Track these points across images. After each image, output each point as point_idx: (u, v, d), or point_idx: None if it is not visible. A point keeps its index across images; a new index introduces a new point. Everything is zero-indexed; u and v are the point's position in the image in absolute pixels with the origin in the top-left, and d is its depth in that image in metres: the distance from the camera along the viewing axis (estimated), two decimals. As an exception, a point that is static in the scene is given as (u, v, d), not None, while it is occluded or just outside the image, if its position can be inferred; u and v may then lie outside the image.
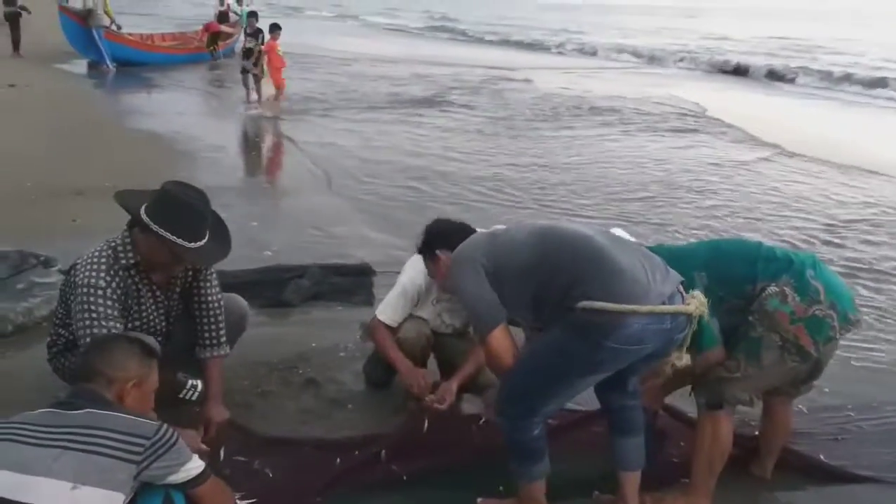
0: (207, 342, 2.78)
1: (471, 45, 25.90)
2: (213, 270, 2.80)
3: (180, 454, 1.79)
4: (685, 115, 11.77)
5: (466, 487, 2.50)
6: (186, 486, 1.82)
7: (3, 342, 3.42)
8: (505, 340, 2.23)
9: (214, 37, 16.72)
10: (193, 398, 2.93)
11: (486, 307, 2.22)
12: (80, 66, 14.75)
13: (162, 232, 2.42)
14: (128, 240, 2.56)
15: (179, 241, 2.45)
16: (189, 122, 9.92)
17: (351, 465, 2.56)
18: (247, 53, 11.70)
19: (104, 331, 2.42)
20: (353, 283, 4.42)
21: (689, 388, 2.56)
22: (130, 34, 15.91)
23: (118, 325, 2.49)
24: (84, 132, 8.49)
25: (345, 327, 3.78)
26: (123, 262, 2.54)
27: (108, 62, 14.34)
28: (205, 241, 2.54)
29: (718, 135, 10.19)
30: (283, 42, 11.95)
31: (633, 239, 2.54)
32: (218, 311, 2.81)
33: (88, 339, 2.41)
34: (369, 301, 4.20)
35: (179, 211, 2.47)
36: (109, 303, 2.48)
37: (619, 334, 2.05)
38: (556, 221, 2.32)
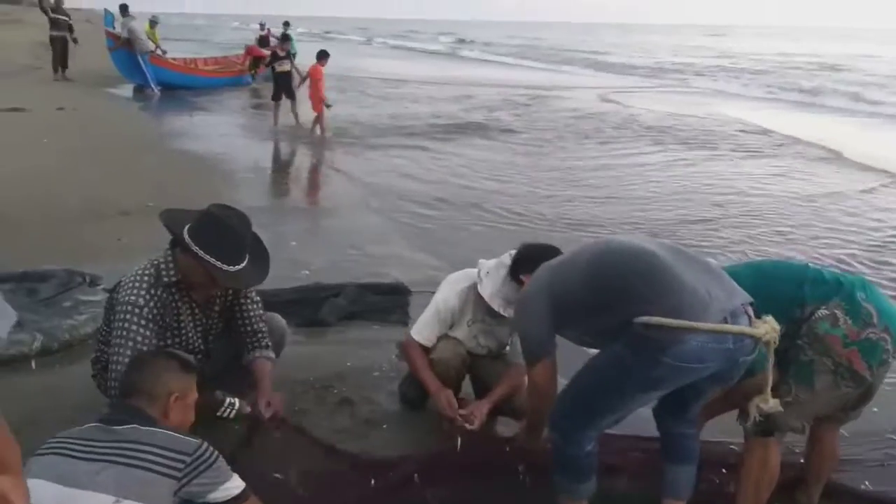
0: (253, 345, 2.88)
1: (508, 66, 26.04)
2: (252, 290, 2.84)
3: (220, 473, 1.83)
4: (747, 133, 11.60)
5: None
6: None
7: (50, 359, 3.51)
8: (546, 372, 2.30)
9: (256, 61, 17.13)
10: (231, 416, 2.97)
11: (535, 342, 2.31)
12: (127, 89, 15.25)
13: (201, 254, 2.48)
14: (170, 258, 2.61)
15: (218, 263, 2.50)
16: (231, 144, 10.15)
17: (383, 486, 2.54)
18: (283, 77, 11.56)
19: (136, 349, 2.47)
20: (389, 302, 4.44)
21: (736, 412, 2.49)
22: (174, 58, 16.40)
23: (151, 343, 2.53)
24: (129, 153, 8.74)
25: (380, 347, 3.80)
26: (165, 280, 2.58)
27: (153, 86, 14.78)
28: (243, 265, 2.59)
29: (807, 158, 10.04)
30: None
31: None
32: (261, 325, 2.89)
33: (119, 357, 2.46)
34: (404, 321, 4.22)
35: (221, 234, 2.53)
36: (144, 322, 2.52)
37: (677, 350, 2.01)
38: (620, 237, 2.38)
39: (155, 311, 2.56)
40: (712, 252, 5.66)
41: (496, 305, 2.80)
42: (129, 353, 2.46)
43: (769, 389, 2.14)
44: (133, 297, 2.53)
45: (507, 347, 3.06)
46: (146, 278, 2.58)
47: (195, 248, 2.48)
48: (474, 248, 5.64)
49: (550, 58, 28.04)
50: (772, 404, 2.17)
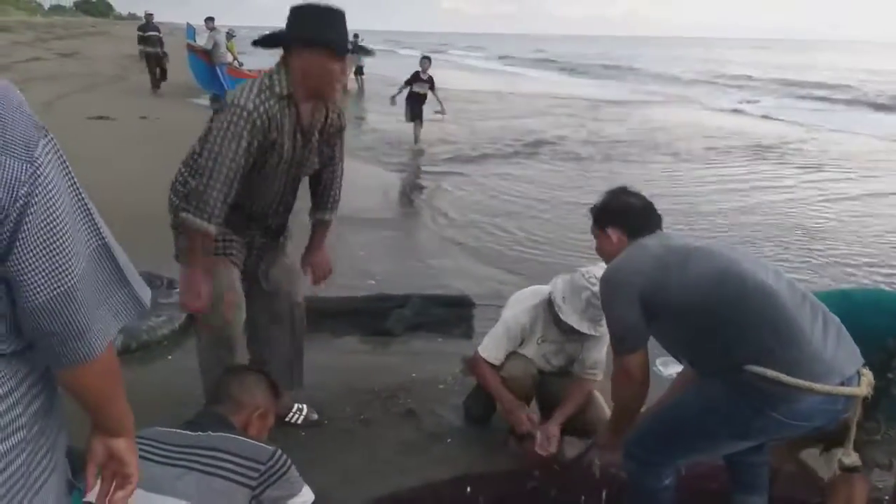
0: (324, 204, 2.96)
1: (586, 78, 25.78)
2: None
3: (291, 485, 1.81)
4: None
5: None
6: None
7: (128, 357, 3.65)
8: (641, 365, 2.12)
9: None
10: (299, 422, 3.02)
11: (631, 332, 2.12)
12: (205, 99, 15.82)
13: (312, 36, 2.39)
14: (281, 71, 2.47)
15: (331, 44, 2.40)
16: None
17: None
18: (418, 99, 11.16)
19: (227, 160, 2.36)
20: (454, 314, 4.43)
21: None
22: (251, 70, 16.95)
23: (242, 165, 2.40)
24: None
25: (445, 359, 3.79)
26: (277, 90, 2.44)
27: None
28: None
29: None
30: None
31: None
32: (340, 175, 2.94)
33: (208, 168, 2.37)
34: (469, 334, 4.21)
35: (320, 16, 2.42)
36: (249, 128, 2.37)
37: (789, 408, 1.88)
38: (742, 262, 2.06)
39: (263, 120, 2.40)
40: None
41: (585, 329, 2.74)
42: (219, 168, 2.36)
43: (851, 443, 2.02)
44: (242, 101, 2.38)
45: (575, 364, 3.00)
46: (257, 85, 2.44)
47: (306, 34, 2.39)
48: (541, 262, 5.61)
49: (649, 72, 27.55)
50: (853, 458, 2.05)
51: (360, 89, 19.67)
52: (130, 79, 17.33)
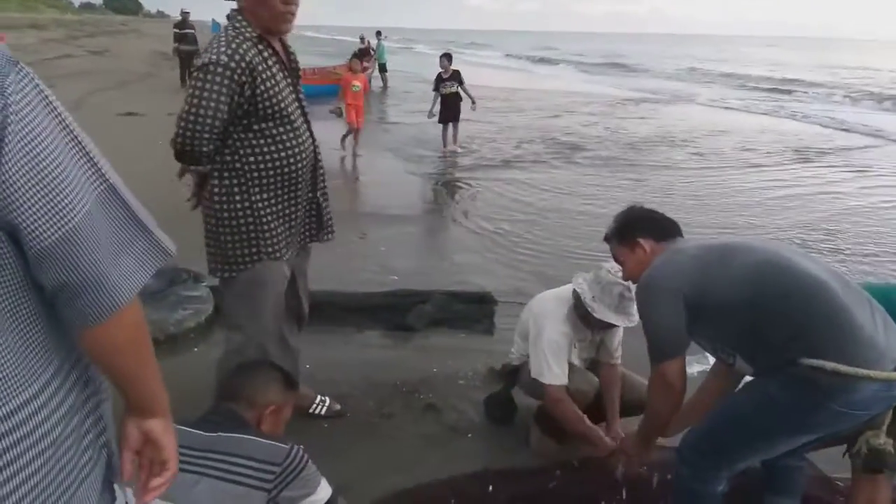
0: None
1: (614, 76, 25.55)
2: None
3: (308, 482, 1.79)
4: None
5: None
6: None
7: (156, 349, 3.71)
8: (680, 373, 2.09)
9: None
10: (322, 413, 3.06)
11: (671, 336, 2.08)
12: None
13: None
14: (238, 18, 2.43)
15: None
16: (328, 151, 10.44)
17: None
18: (451, 99, 10.46)
19: (210, 112, 2.31)
20: (475, 311, 4.45)
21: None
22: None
23: (227, 108, 2.34)
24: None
25: (465, 355, 3.81)
26: (247, 34, 2.40)
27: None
28: None
29: None
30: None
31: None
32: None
33: (191, 112, 2.33)
34: (490, 330, 4.22)
35: None
36: (227, 81, 2.30)
37: (848, 398, 1.84)
38: (783, 253, 2.04)
39: (242, 68, 2.32)
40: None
41: (622, 323, 2.73)
42: (202, 111, 2.31)
43: (885, 427, 1.99)
44: (214, 57, 2.31)
45: (600, 351, 3.00)
46: (223, 37, 2.37)
47: None
48: (561, 259, 5.60)
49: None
50: (882, 440, 2.01)
51: (384, 86, 19.76)
52: (160, 76, 17.57)
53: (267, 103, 2.42)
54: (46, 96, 0.93)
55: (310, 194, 2.72)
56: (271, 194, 2.53)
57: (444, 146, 10.61)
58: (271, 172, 2.50)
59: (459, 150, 10.61)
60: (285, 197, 2.57)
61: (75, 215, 0.90)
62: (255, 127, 2.44)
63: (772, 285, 1.95)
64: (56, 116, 0.93)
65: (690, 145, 11.79)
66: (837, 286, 1.92)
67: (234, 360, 2.59)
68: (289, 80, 2.56)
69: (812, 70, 30.57)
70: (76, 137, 0.95)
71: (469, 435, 3.06)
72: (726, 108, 18.46)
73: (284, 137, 2.49)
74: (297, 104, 2.58)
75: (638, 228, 2.37)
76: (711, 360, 3.60)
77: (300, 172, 2.58)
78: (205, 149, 2.38)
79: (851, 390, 1.82)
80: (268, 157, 2.48)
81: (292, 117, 2.52)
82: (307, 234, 2.82)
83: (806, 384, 1.86)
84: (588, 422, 2.78)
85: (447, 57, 10.78)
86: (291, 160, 2.53)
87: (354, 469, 2.66)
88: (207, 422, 1.85)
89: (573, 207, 7.49)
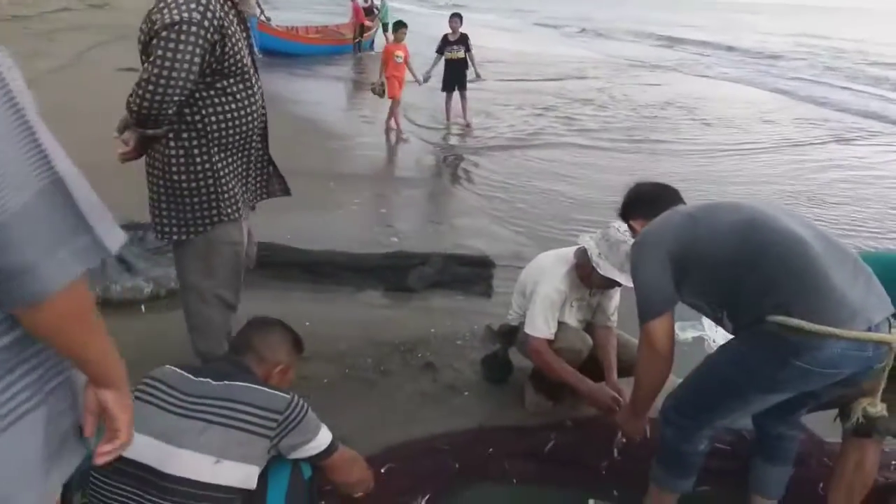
0: None
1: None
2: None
3: (307, 430, 1.82)
4: None
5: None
6: (315, 460, 1.87)
7: (157, 304, 3.77)
8: (666, 332, 2.08)
9: (361, 28, 17.40)
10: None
11: (657, 293, 2.08)
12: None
13: None
14: None
15: None
16: (330, 111, 10.38)
17: (467, 465, 2.58)
18: (455, 65, 9.50)
19: (182, 74, 2.18)
20: (474, 274, 4.49)
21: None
22: (278, 26, 16.87)
23: (196, 72, 2.23)
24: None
25: (463, 316, 3.87)
26: None
27: (257, 51, 15.28)
28: None
29: None
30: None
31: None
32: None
33: (161, 83, 2.17)
34: (488, 293, 4.27)
35: None
36: (201, 41, 2.19)
37: (813, 355, 1.86)
38: (768, 211, 2.05)
39: (214, 25, 2.22)
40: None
41: (625, 281, 2.72)
42: (175, 73, 2.17)
43: (879, 394, 2.00)
44: (185, 15, 2.16)
45: (596, 314, 3.05)
46: None
47: None
48: (563, 224, 5.62)
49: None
50: (879, 409, 2.02)
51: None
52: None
53: (231, 61, 2.34)
54: (5, 84, 0.94)
55: (260, 152, 2.67)
56: (229, 153, 2.46)
57: (448, 117, 9.72)
58: (231, 131, 2.43)
59: (472, 123, 9.65)
60: (240, 156, 2.52)
61: (7, 209, 0.92)
62: (218, 85, 2.35)
63: (751, 241, 1.98)
64: (10, 106, 0.94)
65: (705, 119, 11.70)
66: (818, 245, 1.93)
67: (198, 320, 2.61)
68: (243, 32, 2.48)
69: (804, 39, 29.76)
70: (29, 127, 0.95)
71: (465, 393, 3.12)
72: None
73: (242, 95, 2.43)
74: (250, 57, 2.51)
75: (633, 209, 2.44)
76: (706, 325, 3.68)
77: (255, 130, 2.53)
78: (171, 111, 2.28)
79: (817, 348, 1.85)
80: (228, 115, 2.41)
81: (249, 73, 2.46)
82: (259, 192, 2.75)
83: (774, 341, 1.89)
84: (580, 376, 2.80)
85: (458, 17, 9.75)
86: (248, 118, 2.47)
87: (352, 423, 2.71)
88: (216, 371, 1.88)
89: (579, 175, 7.46)
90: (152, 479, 1.68)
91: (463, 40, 9.55)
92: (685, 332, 3.64)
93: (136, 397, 1.79)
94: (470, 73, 9.63)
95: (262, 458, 1.76)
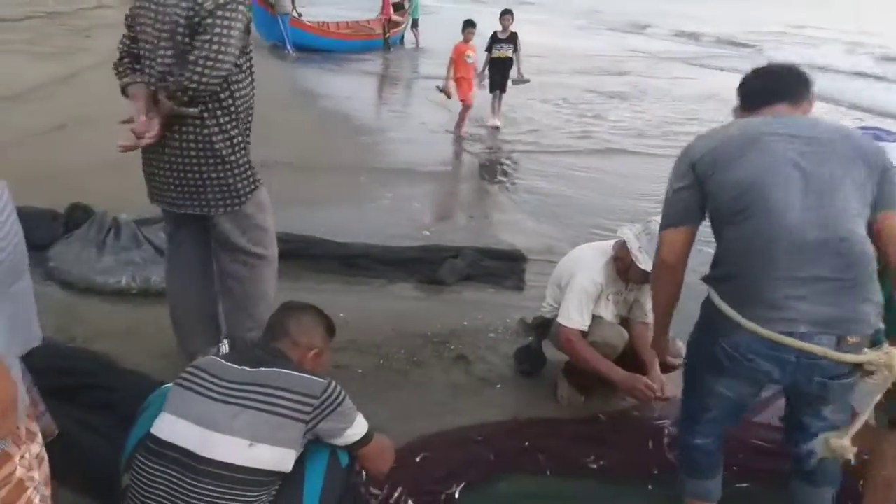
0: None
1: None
2: None
3: (344, 416, 1.85)
4: None
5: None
6: (351, 448, 1.90)
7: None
8: (672, 245, 2.03)
9: (389, 24, 17.44)
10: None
11: (672, 203, 2.04)
12: (264, 49, 15.93)
13: None
14: None
15: None
16: (361, 106, 10.43)
17: (501, 456, 2.60)
18: (500, 65, 8.94)
19: (234, 51, 2.37)
20: (505, 268, 4.49)
21: None
22: (309, 21, 16.99)
23: (240, 48, 2.44)
24: (270, 109, 9.10)
25: (495, 310, 3.88)
26: None
27: (290, 47, 15.41)
28: None
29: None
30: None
31: None
32: None
33: (219, 59, 2.33)
34: (519, 287, 4.27)
35: None
36: (244, 19, 2.40)
37: (730, 340, 1.91)
38: (784, 172, 1.87)
39: (247, 4, 2.44)
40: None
41: None
42: (230, 49, 2.34)
43: (849, 433, 1.92)
44: None
45: (633, 309, 3.04)
46: None
47: None
48: (597, 220, 5.59)
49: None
50: (843, 443, 1.90)
51: (417, 43, 19.52)
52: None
53: (248, 37, 2.52)
54: None
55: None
56: (246, 126, 2.66)
57: (489, 121, 9.16)
58: (248, 105, 2.63)
59: (500, 123, 9.16)
60: (248, 128, 2.70)
61: None
62: (238, 63, 2.50)
63: (739, 201, 1.90)
64: None
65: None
66: (811, 234, 1.82)
67: (267, 285, 2.80)
68: None
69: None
70: None
71: (498, 386, 3.13)
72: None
73: (250, 72, 2.61)
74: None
75: (740, 97, 2.20)
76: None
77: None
78: (217, 87, 2.43)
79: (731, 333, 1.89)
80: (245, 91, 2.59)
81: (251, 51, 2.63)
82: None
83: (709, 318, 1.96)
84: (611, 364, 2.79)
85: (510, 14, 9.01)
86: (253, 93, 2.67)
87: (386, 413, 2.74)
88: (254, 358, 1.91)
89: (616, 170, 7.37)
90: (190, 463, 1.73)
91: (512, 39, 9.00)
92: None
93: (178, 384, 1.87)
94: (513, 73, 9.11)
95: (298, 442, 1.79)
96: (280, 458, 1.77)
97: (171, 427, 1.79)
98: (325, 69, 13.85)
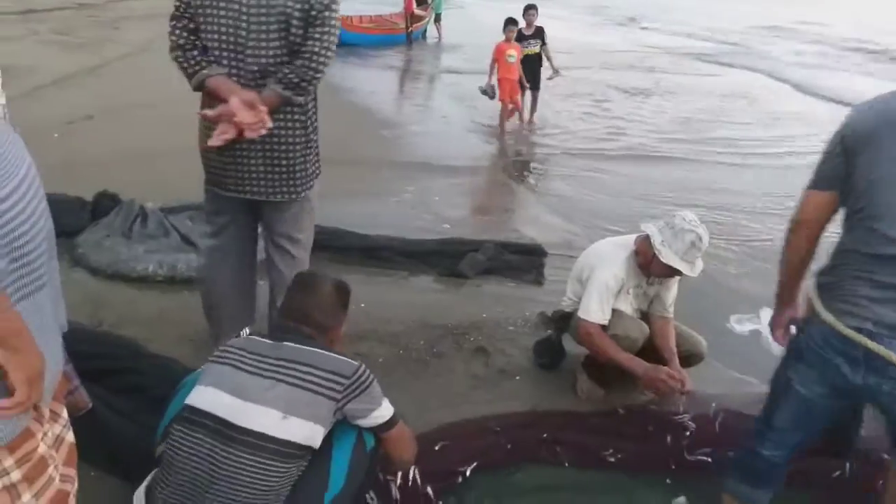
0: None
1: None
2: None
3: (372, 399, 1.90)
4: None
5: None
6: (377, 430, 1.94)
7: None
8: (808, 203, 1.97)
9: (411, 18, 17.45)
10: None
11: (819, 165, 1.95)
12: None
13: None
14: None
15: None
16: (384, 100, 10.47)
17: (518, 446, 2.62)
18: (530, 62, 8.70)
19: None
20: (525, 261, 4.50)
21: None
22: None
23: None
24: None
25: (515, 303, 3.90)
26: None
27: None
28: None
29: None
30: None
31: None
32: None
33: (332, 49, 2.49)
34: (539, 281, 4.29)
35: None
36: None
37: (810, 327, 1.93)
38: None
39: None
40: None
41: (686, 270, 2.73)
42: (336, 41, 2.52)
43: None
44: None
45: (654, 304, 3.04)
46: None
47: None
48: (618, 216, 5.58)
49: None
50: None
51: (439, 37, 19.51)
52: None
53: None
54: None
55: None
56: None
57: (521, 118, 8.91)
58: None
59: (536, 123, 8.97)
60: None
61: None
62: None
63: (871, 199, 1.81)
64: None
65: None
66: None
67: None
68: None
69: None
70: None
71: (517, 378, 3.15)
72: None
73: None
74: None
75: None
76: (763, 317, 3.60)
77: None
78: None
79: (814, 321, 1.92)
80: None
81: None
82: None
83: (810, 305, 1.95)
84: (631, 356, 2.78)
85: (534, 9, 8.75)
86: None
87: (406, 402, 2.75)
88: (288, 338, 1.95)
89: (639, 172, 7.30)
90: (225, 431, 1.78)
91: (539, 34, 8.80)
92: (742, 326, 3.60)
93: (212, 361, 1.94)
94: (546, 70, 8.91)
95: (328, 419, 1.84)
96: (310, 434, 1.82)
97: (206, 397, 1.85)
98: (349, 63, 13.89)
